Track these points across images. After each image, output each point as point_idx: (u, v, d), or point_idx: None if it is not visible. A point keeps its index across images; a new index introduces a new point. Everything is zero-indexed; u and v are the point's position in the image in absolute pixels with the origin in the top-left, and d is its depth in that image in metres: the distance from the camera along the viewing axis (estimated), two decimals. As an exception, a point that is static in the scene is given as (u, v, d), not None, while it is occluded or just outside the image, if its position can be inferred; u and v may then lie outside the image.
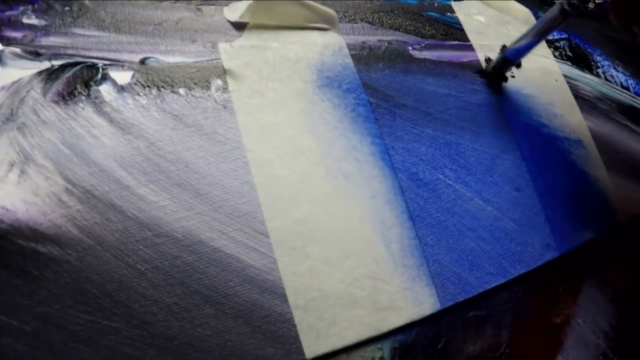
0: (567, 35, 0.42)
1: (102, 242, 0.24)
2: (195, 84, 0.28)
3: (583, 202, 0.34)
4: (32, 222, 0.23)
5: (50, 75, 0.27)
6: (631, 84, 0.42)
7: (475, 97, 0.34)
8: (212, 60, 0.29)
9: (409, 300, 0.27)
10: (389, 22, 0.35)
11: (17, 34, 0.28)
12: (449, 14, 0.38)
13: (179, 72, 0.28)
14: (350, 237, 0.27)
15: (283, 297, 0.25)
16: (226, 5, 0.31)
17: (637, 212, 0.36)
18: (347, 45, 0.32)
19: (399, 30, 0.35)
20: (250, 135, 0.27)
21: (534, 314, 0.30)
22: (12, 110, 0.25)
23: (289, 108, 0.28)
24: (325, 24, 0.32)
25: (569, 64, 0.40)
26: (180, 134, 0.27)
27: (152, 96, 0.27)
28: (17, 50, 0.27)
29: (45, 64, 0.27)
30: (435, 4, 0.38)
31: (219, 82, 0.29)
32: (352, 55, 0.32)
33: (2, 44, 0.27)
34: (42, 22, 0.28)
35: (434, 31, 0.36)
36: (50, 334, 0.22)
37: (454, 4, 0.38)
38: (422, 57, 0.35)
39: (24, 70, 0.27)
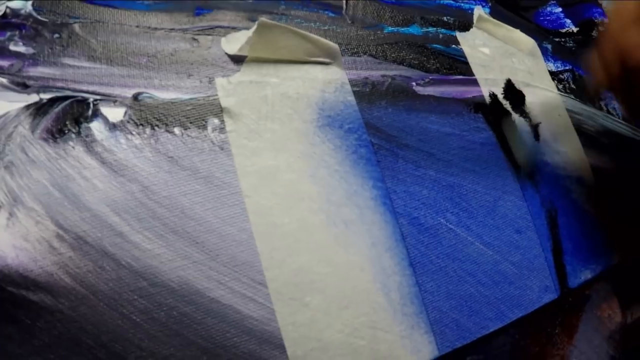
0: (571, 67, 0.42)
1: (95, 292, 0.23)
2: (191, 123, 0.27)
3: (583, 241, 0.34)
4: (23, 268, 0.23)
5: (38, 110, 0.25)
6: (633, 116, 0.42)
7: (479, 135, 0.34)
8: (208, 97, 0.28)
9: (408, 348, 0.27)
10: (393, 55, 0.34)
11: (4, 63, 0.26)
12: (453, 45, 0.37)
13: (174, 109, 0.27)
14: (350, 286, 0.26)
15: (282, 348, 0.25)
16: (224, 35, 0.30)
17: (634, 249, 0.36)
18: (349, 81, 0.31)
19: (403, 64, 0.34)
20: (248, 179, 0.26)
21: (530, 356, 0.31)
22: (-2, 146, 0.24)
23: (288, 151, 0.28)
24: (327, 58, 0.31)
25: (572, 97, 0.40)
26: (176, 177, 0.26)
27: (145, 136, 0.26)
28: (4, 81, 0.26)
29: (34, 97, 0.26)
30: (440, 35, 0.37)
31: (216, 121, 0.28)
32: (354, 92, 0.31)
33: (-13, 73, 0.26)
34: (30, 50, 0.27)
35: (438, 65, 0.36)
36: (44, 385, 0.21)
37: (459, 35, 0.38)
38: (426, 93, 0.34)
39: (11, 103, 0.25)
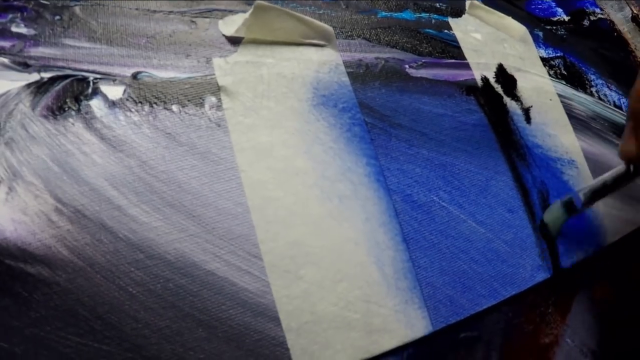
0: (562, 54, 0.42)
1: (92, 264, 0.23)
2: (188, 100, 0.28)
3: (574, 222, 0.34)
4: (21, 241, 0.23)
5: (39, 88, 0.26)
6: (624, 102, 0.43)
7: (471, 117, 0.34)
8: (206, 76, 0.29)
9: (402, 322, 0.27)
10: (386, 38, 0.35)
11: (5, 43, 0.27)
12: (446, 30, 0.38)
13: (172, 88, 0.28)
14: (344, 260, 0.27)
15: (276, 320, 0.25)
16: (221, 18, 0.31)
17: (625, 232, 0.36)
18: (343, 63, 0.32)
19: (396, 48, 0.35)
20: (244, 155, 0.27)
21: (524, 334, 0.31)
22: (-1, 124, 0.25)
23: (283, 127, 0.28)
24: (321, 40, 0.31)
25: (564, 82, 0.41)
26: (173, 152, 0.26)
27: (144, 113, 0.27)
28: (5, 60, 0.26)
29: (35, 76, 0.26)
30: (433, 21, 0.38)
31: (213, 99, 0.28)
32: (348, 73, 0.32)
33: (-10, 54, 0.26)
34: (32, 32, 0.27)
35: (431, 49, 0.36)
36: (41, 356, 0.21)
37: (451, 21, 0.38)
38: (419, 75, 0.35)
39: (12, 81, 0.26)
